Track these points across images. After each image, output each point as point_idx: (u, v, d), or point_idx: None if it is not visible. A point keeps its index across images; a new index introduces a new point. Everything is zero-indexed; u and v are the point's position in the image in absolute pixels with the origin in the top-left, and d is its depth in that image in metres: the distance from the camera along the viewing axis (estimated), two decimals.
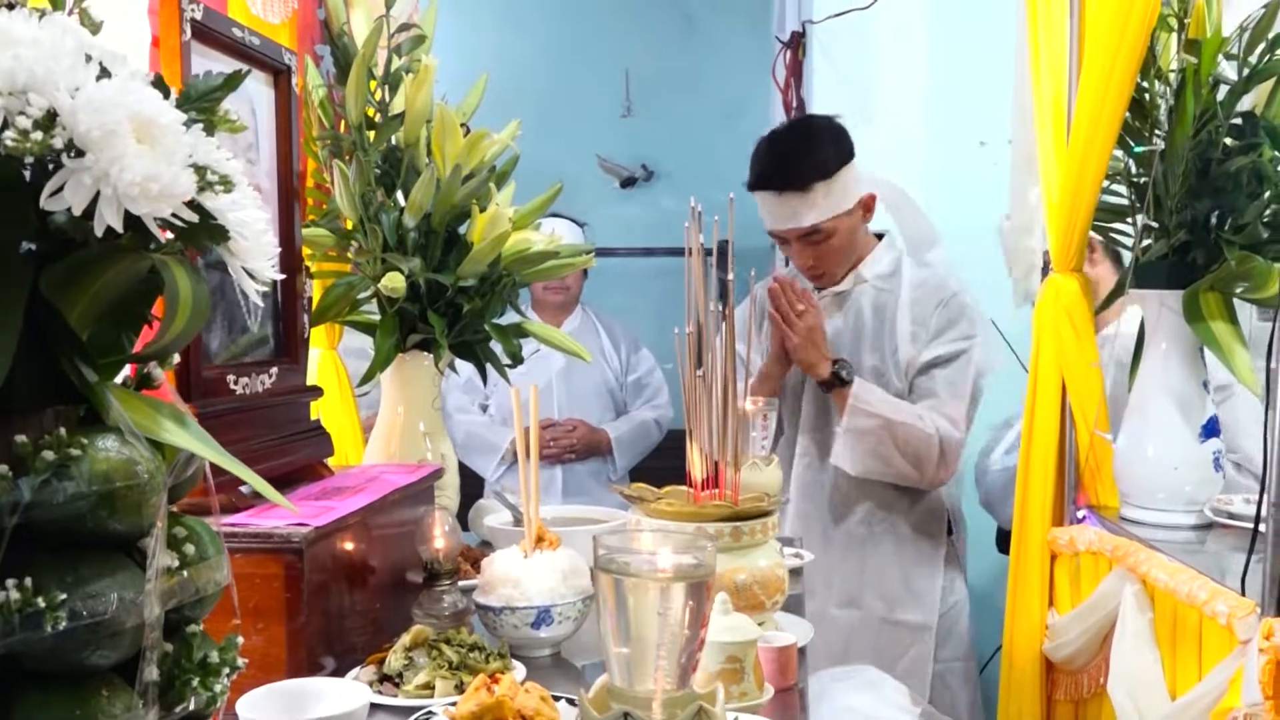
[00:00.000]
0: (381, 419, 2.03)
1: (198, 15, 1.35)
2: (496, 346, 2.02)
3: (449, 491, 2.05)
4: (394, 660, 1.30)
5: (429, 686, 1.27)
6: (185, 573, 0.91)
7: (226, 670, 0.92)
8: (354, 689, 1.19)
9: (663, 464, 3.03)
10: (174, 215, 0.83)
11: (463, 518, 2.21)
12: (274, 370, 1.53)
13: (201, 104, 0.92)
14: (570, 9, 6.12)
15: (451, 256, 1.95)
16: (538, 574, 1.46)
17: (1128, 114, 1.92)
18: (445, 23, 7.04)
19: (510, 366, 2.04)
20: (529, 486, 1.53)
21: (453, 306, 1.95)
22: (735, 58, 5.71)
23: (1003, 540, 2.88)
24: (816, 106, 3.14)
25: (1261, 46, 1.76)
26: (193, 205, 0.88)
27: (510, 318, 2.13)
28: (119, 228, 0.80)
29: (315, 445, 1.61)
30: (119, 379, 0.97)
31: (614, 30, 6.16)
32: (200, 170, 0.85)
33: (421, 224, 1.92)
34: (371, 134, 1.91)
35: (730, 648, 1.22)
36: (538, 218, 2.08)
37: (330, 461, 2.07)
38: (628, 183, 6.21)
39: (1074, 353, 2.04)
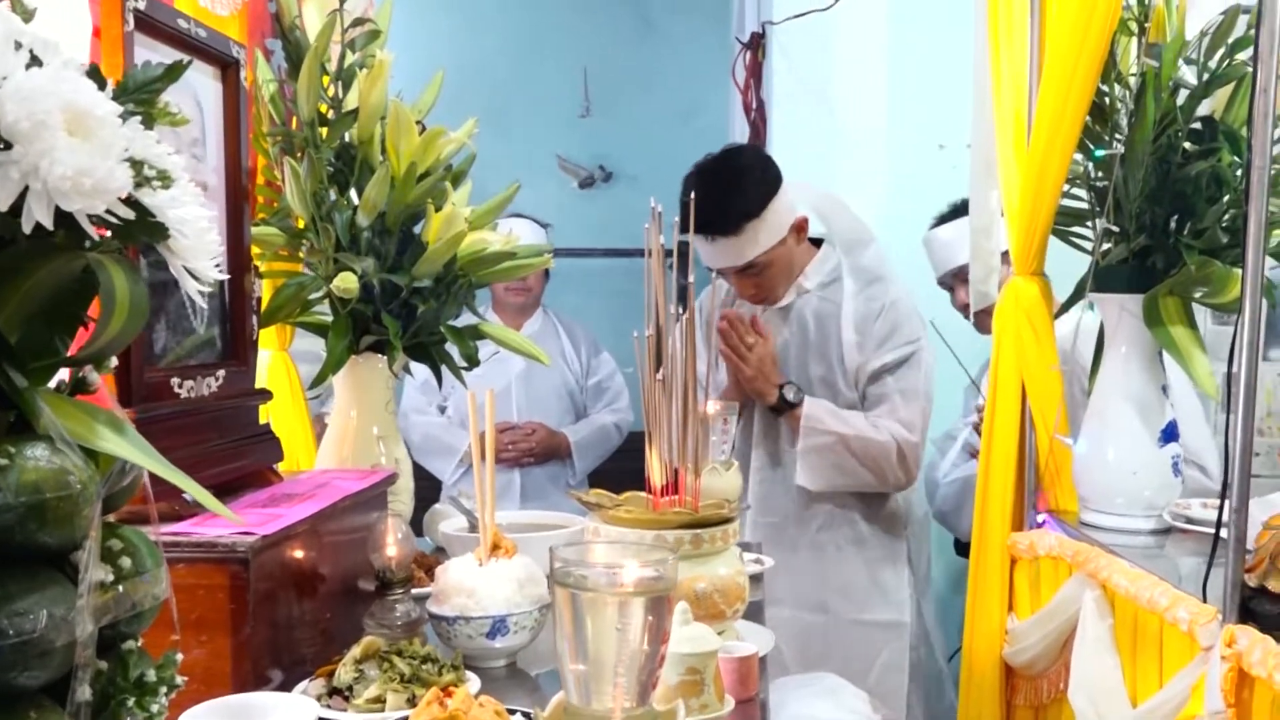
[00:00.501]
0: (334, 423, 1.99)
1: (141, 5, 1.30)
2: (453, 349, 1.98)
3: (403, 496, 2.01)
4: (344, 673, 1.26)
5: (380, 700, 1.23)
6: (121, 587, 0.86)
7: (165, 689, 0.88)
8: (301, 704, 1.14)
9: (622, 467, 3.00)
10: (109, 212, 0.79)
11: (418, 522, 2.17)
12: (221, 373, 1.49)
13: (140, 95, 0.88)
14: (529, 7, 6.09)
15: (406, 256, 1.91)
16: (493, 583, 1.42)
17: (1088, 118, 1.92)
18: (401, 19, 6.95)
19: (466, 369, 2.00)
20: (484, 493, 1.49)
21: (407, 308, 1.91)
22: (694, 58, 5.70)
23: (961, 548, 2.90)
24: (776, 108, 3.13)
25: (1221, 51, 1.75)
26: (129, 201, 0.84)
27: (467, 319, 2.09)
28: (49, 225, 0.76)
29: (264, 450, 1.57)
30: (53, 383, 0.93)
31: (573, 29, 6.13)
32: (137, 165, 0.81)
33: (376, 223, 1.88)
34: (324, 131, 1.87)
35: (691, 659, 1.20)
36: (495, 218, 2.04)
37: (281, 466, 2.03)
38: (587, 183, 6.18)
39: (1034, 356, 2.03)
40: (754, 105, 3.22)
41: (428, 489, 3.53)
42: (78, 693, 0.82)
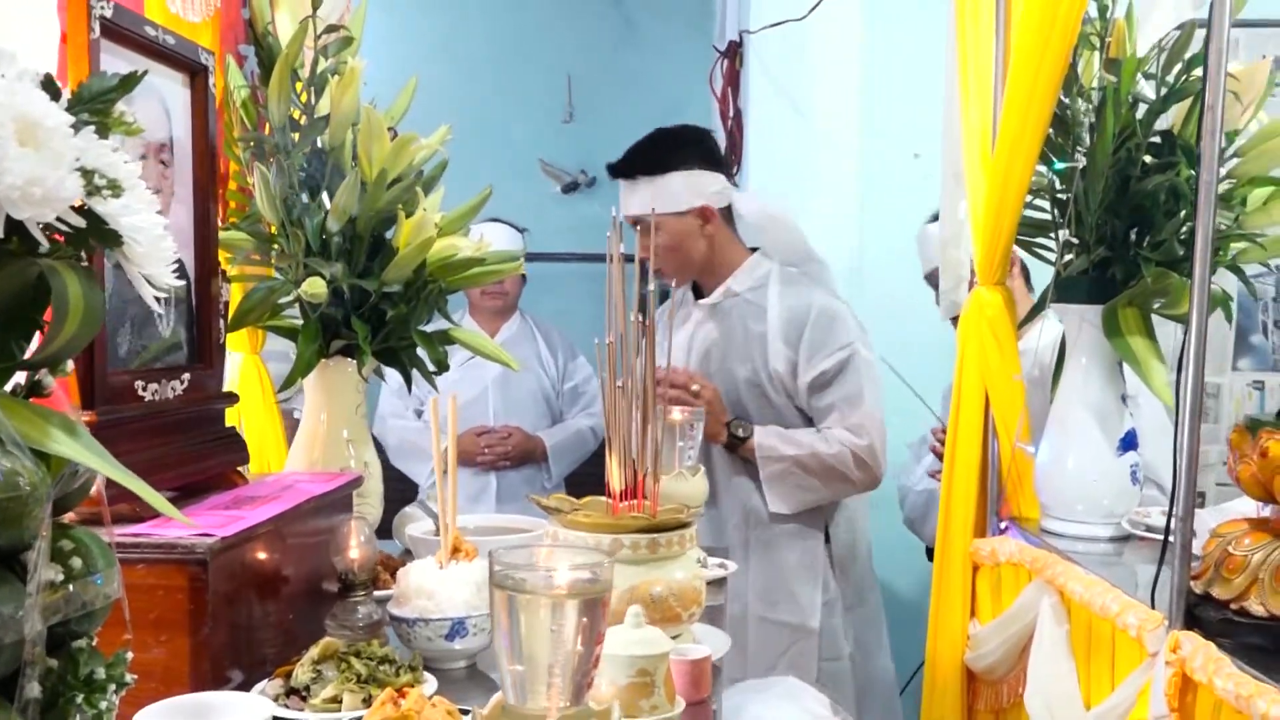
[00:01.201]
0: (304, 425, 2.00)
1: (107, 12, 1.32)
2: (424, 353, 2.00)
3: (372, 500, 2.03)
4: (301, 673, 1.28)
5: (336, 700, 1.25)
6: (71, 586, 0.88)
7: (114, 687, 0.90)
8: (257, 703, 1.16)
9: (598, 471, 3.01)
10: (60, 220, 0.81)
11: (389, 525, 2.19)
12: (186, 376, 1.50)
13: (95, 105, 0.89)
14: (512, 11, 6.10)
15: (376, 262, 1.93)
16: (452, 586, 1.44)
17: (1051, 130, 1.95)
18: (382, 23, 6.97)
19: (436, 373, 2.02)
20: (446, 498, 1.51)
21: (377, 312, 1.93)
22: (676, 63, 5.73)
23: (931, 555, 2.93)
24: (752, 116, 3.15)
25: (1179, 67, 1.79)
26: (82, 210, 0.85)
27: (439, 324, 2.11)
28: (0, 233, 0.78)
29: (229, 452, 1.58)
30: (8, 386, 0.94)
31: (556, 34, 6.15)
32: (88, 174, 0.82)
33: (346, 229, 1.90)
34: (295, 136, 1.89)
35: (641, 661, 1.21)
36: (466, 223, 2.06)
37: (252, 468, 2.04)
38: (570, 187, 6.20)
39: (997, 365, 2.06)
40: (732, 113, 3.25)
41: (403, 492, 3.55)
42: (26, 689, 0.83)
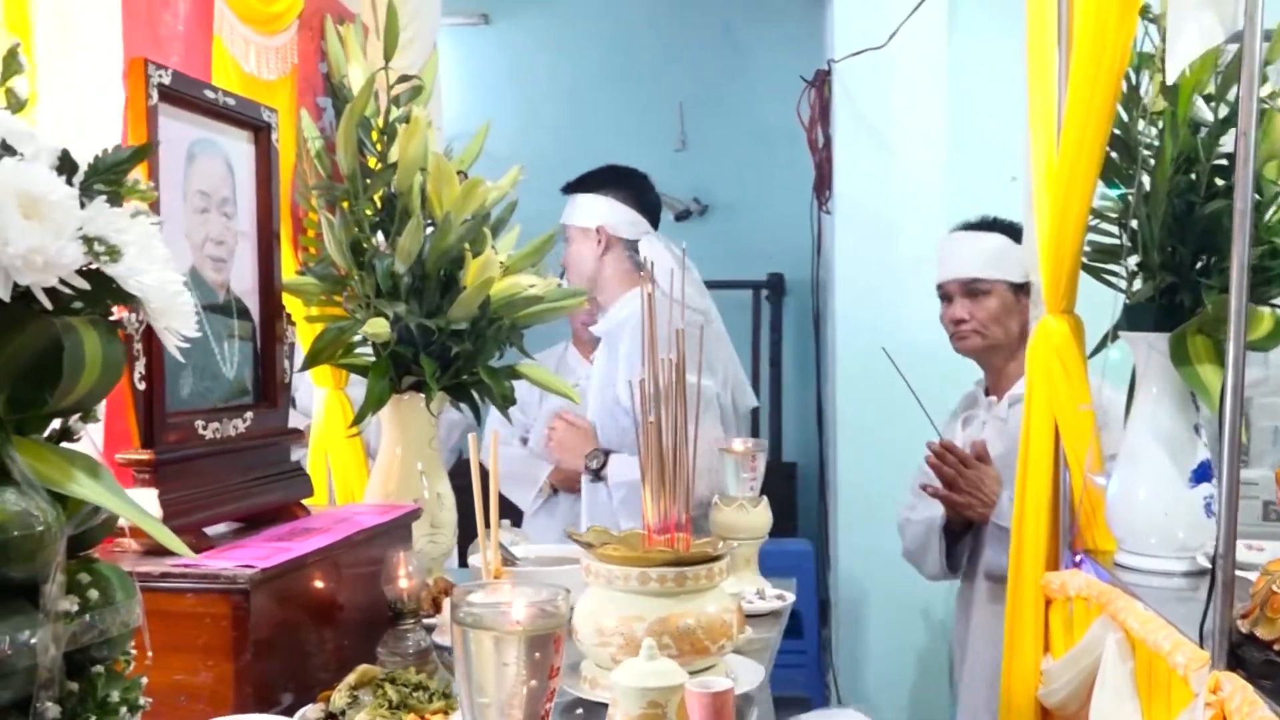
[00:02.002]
0: (380, 459, 2.09)
1: (165, 80, 1.42)
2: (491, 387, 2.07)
3: (445, 530, 2.10)
4: (338, 698, 1.34)
5: None
6: (88, 616, 0.96)
7: (125, 709, 0.97)
8: None
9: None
10: (64, 283, 0.90)
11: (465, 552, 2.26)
12: (249, 414, 1.60)
13: (109, 176, 0.98)
14: (623, 43, 6.21)
15: (446, 300, 2.01)
16: None
17: (1115, 154, 1.92)
18: (500, 59, 7.22)
19: (503, 408, 2.08)
20: (489, 528, 1.57)
21: (445, 349, 2.01)
22: (785, 90, 5.75)
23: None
24: (839, 145, 3.16)
25: (1236, 89, 1.74)
26: (92, 273, 0.94)
27: (514, 358, 2.18)
28: (6, 297, 0.86)
29: (292, 487, 1.67)
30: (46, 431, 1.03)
31: (667, 63, 6.23)
32: (89, 241, 0.91)
33: (415, 269, 1.98)
34: (368, 182, 1.98)
35: (652, 693, 1.24)
36: (531, 262, 2.13)
37: (338, 499, 2.14)
38: (682, 215, 6.26)
39: (1065, 395, 2.02)
40: (821, 142, 3.25)
41: (510, 517, 3.64)
42: (42, 710, 0.92)
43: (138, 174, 1.03)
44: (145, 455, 1.39)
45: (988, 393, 2.65)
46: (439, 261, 1.99)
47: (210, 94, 1.53)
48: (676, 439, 1.49)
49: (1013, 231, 2.59)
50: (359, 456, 2.29)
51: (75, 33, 1.52)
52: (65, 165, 0.95)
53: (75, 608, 0.95)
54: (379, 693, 1.35)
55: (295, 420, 1.84)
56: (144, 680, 1.01)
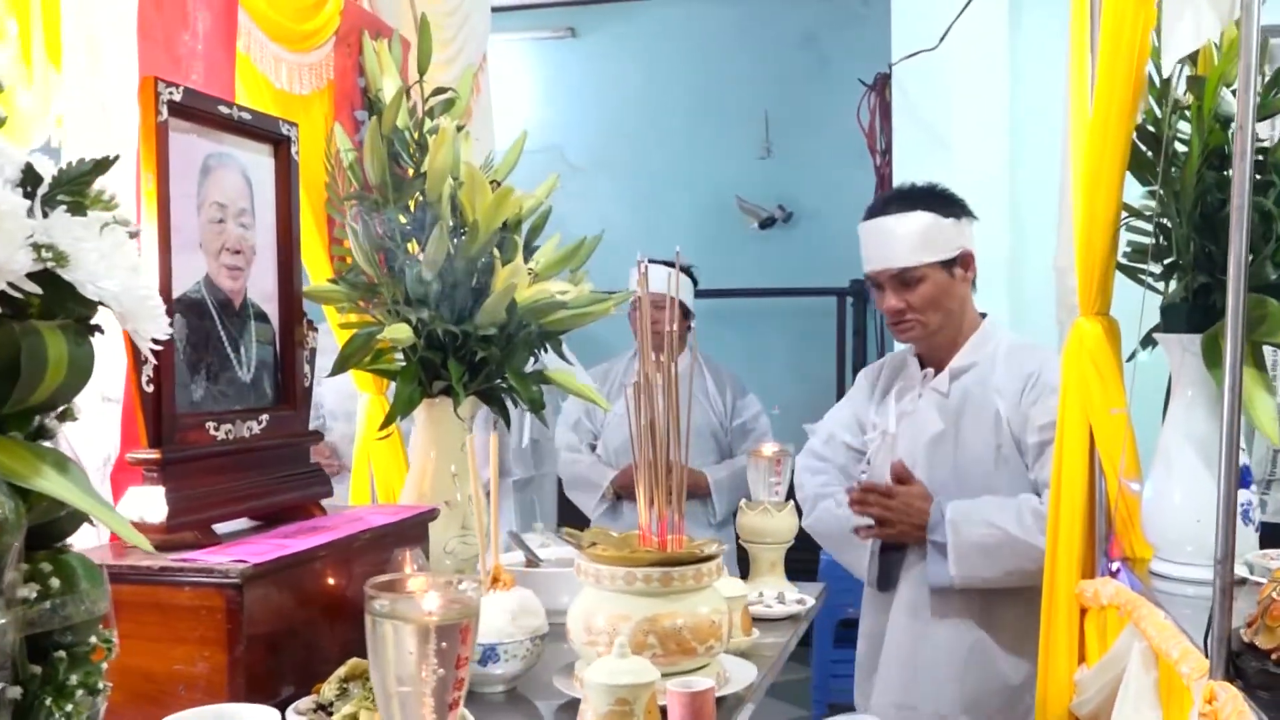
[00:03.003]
0: (414, 462, 2.14)
1: (176, 97, 1.49)
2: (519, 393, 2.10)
3: (476, 532, 2.14)
4: (327, 690, 1.39)
5: (354, 717, 1.35)
6: (50, 603, 1.02)
7: (83, 692, 1.02)
8: (266, 714, 1.28)
9: None
10: (13, 287, 0.95)
11: None
12: (265, 417, 1.66)
13: (71, 187, 1.04)
14: (708, 53, 6.23)
15: (475, 307, 2.05)
16: (487, 613, 1.52)
17: (1147, 150, 1.87)
18: (586, 71, 7.30)
19: (532, 411, 2.11)
20: (487, 531, 1.60)
21: (474, 354, 2.05)
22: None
23: None
24: (897, 149, 3.12)
25: (1264, 81, 1.68)
26: (50, 279, 1.00)
27: (554, 364, 2.21)
28: None
29: (308, 487, 1.73)
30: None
31: (752, 73, 6.23)
32: (39, 248, 0.96)
33: (446, 276, 2.03)
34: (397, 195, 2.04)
35: (619, 690, 1.26)
36: (563, 269, 2.16)
37: (380, 498, 2.20)
38: (766, 223, 6.26)
39: (1099, 399, 1.97)
40: (881, 147, 3.22)
41: (576, 522, 3.68)
42: (0, 690, 0.97)
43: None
44: (153, 455, 1.45)
45: (923, 363, 2.43)
46: (467, 268, 2.03)
47: (225, 110, 1.60)
48: (669, 440, 1.50)
49: (936, 200, 2.38)
50: (399, 459, 2.35)
51: (100, 54, 1.61)
52: (29, 178, 1.01)
53: (34, 595, 1.00)
54: (367, 685, 1.39)
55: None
56: (104, 665, 1.06)
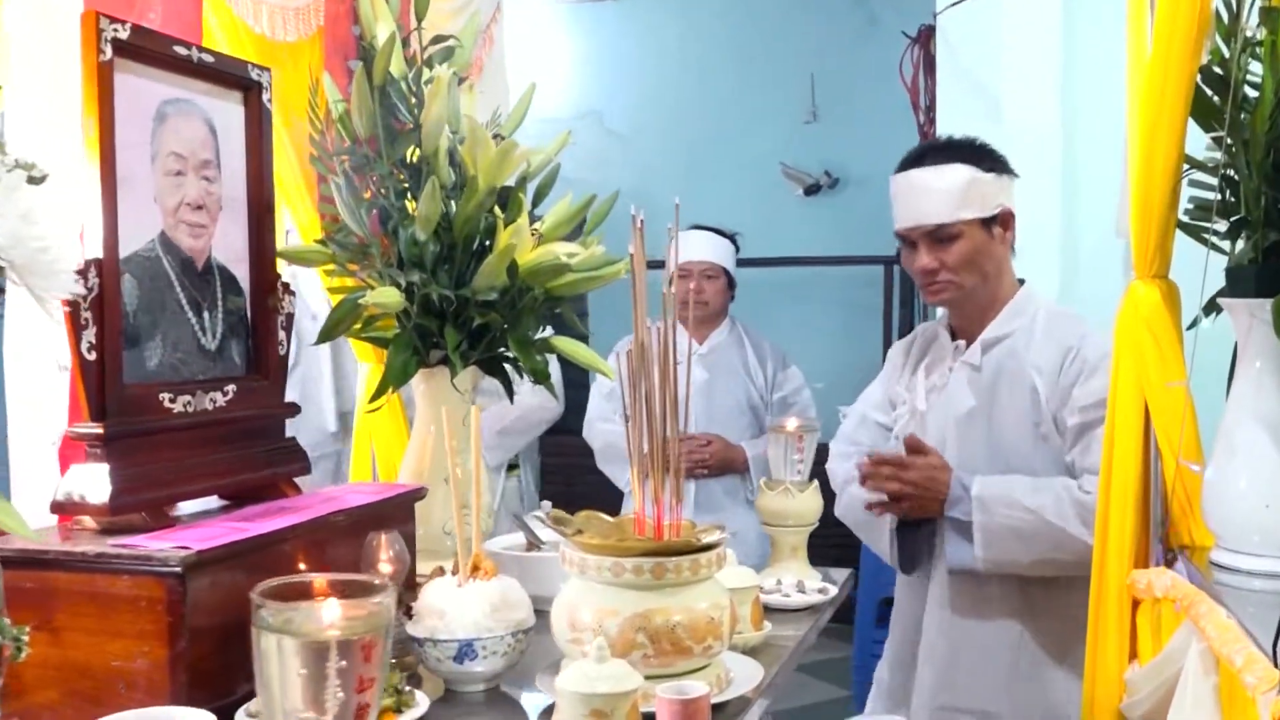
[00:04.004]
0: (414, 436, 2.01)
1: (122, 35, 1.35)
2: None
3: (481, 513, 2.00)
4: None
5: None
6: None
7: None
8: (199, 718, 1.14)
9: None
10: None
11: None
12: (231, 388, 1.52)
13: None
14: (751, 13, 6.02)
15: (477, 270, 1.90)
16: (465, 605, 1.38)
17: (1212, 93, 1.68)
18: (626, 35, 7.12)
19: (536, 383, 1.97)
20: (467, 514, 1.46)
21: (474, 321, 1.90)
22: None
23: None
24: (941, 105, 2.92)
25: None
26: None
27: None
28: None
29: (282, 463, 1.59)
30: None
31: (797, 33, 6.02)
32: None
33: (444, 237, 1.89)
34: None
35: (596, 700, 1.11)
36: (568, 230, 2.00)
37: (381, 476, 2.06)
38: (811, 190, 6.05)
39: (1156, 371, 1.78)
40: (923, 105, 3.02)
41: (609, 495, 3.54)
42: None
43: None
44: (95, 429, 1.32)
45: (954, 335, 2.22)
46: (465, 228, 1.88)
47: (182, 50, 1.45)
48: (666, 415, 1.35)
49: (976, 154, 2.16)
50: (402, 433, 2.21)
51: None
52: None
53: None
54: None
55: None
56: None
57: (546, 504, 2.48)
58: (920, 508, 2.02)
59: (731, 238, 3.82)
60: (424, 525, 1.84)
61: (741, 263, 3.97)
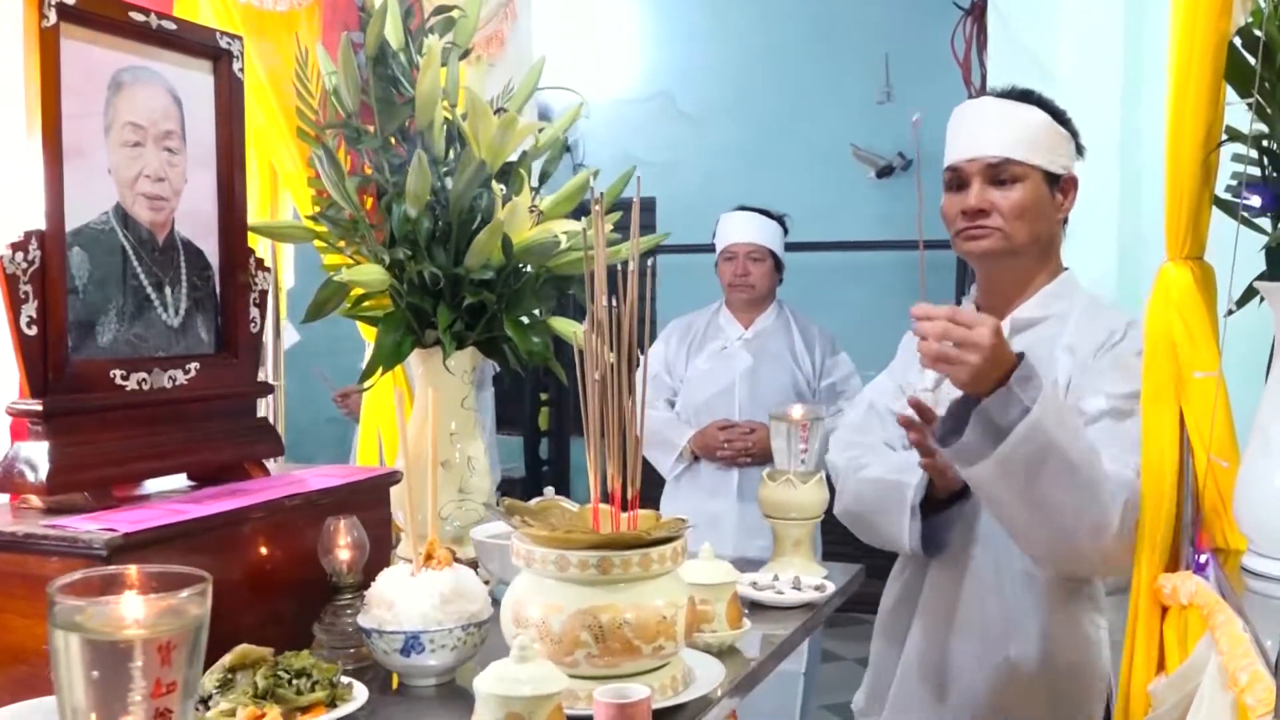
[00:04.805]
0: (413, 420, 1.95)
1: (67, 0, 1.31)
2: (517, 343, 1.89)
3: (476, 496, 1.94)
4: (208, 680, 1.20)
5: (232, 714, 1.17)
6: None
7: None
8: None
9: None
10: None
11: None
12: (193, 366, 1.48)
13: None
14: None
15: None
16: (415, 596, 1.32)
17: (1250, 55, 1.54)
18: (697, 13, 7.02)
19: (529, 365, 1.90)
20: (426, 497, 1.40)
21: (474, 301, 1.84)
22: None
23: None
24: (993, 81, 2.76)
25: None
26: None
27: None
28: None
29: (251, 444, 1.55)
30: None
31: (873, 13, 5.86)
32: None
33: (440, 214, 1.83)
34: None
35: (512, 703, 1.04)
36: (569, 209, 1.93)
37: (388, 460, 2.02)
38: (884, 172, 5.90)
39: (1189, 360, 1.65)
40: (975, 82, 2.87)
41: (652, 482, 3.46)
42: None
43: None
44: (35, 405, 1.29)
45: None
46: (459, 204, 1.82)
47: (139, 17, 1.41)
48: (620, 395, 1.27)
49: (1052, 108, 1.96)
50: (406, 414, 2.16)
51: None
52: None
53: None
54: (256, 674, 1.20)
55: None
56: None
57: (550, 489, 2.42)
58: (978, 374, 1.62)
59: (780, 219, 3.71)
60: (420, 511, 1.78)
61: (808, 246, 3.86)
